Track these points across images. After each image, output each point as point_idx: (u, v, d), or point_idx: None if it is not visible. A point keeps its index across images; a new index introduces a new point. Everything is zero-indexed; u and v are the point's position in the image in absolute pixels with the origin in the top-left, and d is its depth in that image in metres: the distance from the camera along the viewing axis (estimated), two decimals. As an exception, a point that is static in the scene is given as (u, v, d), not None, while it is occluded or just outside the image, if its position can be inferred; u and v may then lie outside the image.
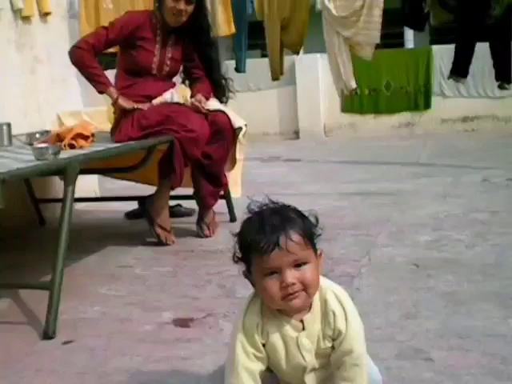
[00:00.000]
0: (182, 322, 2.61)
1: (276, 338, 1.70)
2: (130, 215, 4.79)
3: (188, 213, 4.67)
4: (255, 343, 1.70)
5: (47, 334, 2.56)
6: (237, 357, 1.70)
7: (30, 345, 2.53)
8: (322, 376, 1.77)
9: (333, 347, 1.71)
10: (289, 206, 1.73)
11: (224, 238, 4.00)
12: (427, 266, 3.19)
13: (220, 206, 4.33)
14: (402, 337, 2.36)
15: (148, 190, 4.31)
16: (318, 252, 1.70)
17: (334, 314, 1.70)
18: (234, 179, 4.42)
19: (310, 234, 1.67)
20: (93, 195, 5.27)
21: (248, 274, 1.71)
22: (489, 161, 6.58)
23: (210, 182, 4.04)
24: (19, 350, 2.48)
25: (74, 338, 2.55)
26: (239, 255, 1.71)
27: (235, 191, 4.44)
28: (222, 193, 4.29)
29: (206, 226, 4.09)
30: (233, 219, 4.39)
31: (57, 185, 4.62)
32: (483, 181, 5.53)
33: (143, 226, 4.11)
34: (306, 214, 1.72)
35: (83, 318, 2.79)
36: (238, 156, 4.24)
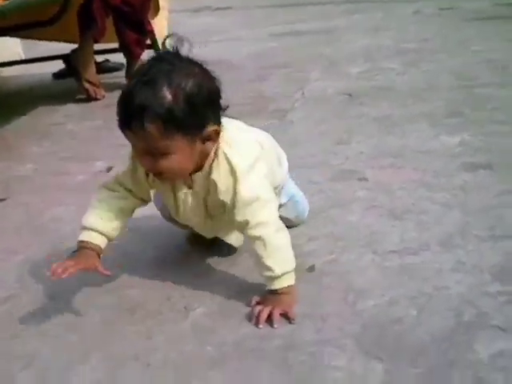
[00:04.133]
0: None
1: (166, 190, 1.59)
2: (58, 75, 4.64)
3: (116, 67, 4.53)
4: (140, 183, 1.59)
5: (-21, 194, 2.51)
6: (110, 186, 1.62)
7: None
8: (218, 230, 1.70)
9: (224, 212, 1.56)
10: (187, 70, 1.44)
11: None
12: (360, 95, 3.18)
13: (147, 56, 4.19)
14: (336, 161, 2.37)
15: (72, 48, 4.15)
16: (211, 128, 1.45)
17: (215, 184, 1.50)
18: (160, 28, 4.26)
19: (179, 121, 1.39)
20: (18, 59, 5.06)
21: None
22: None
23: (134, 29, 3.88)
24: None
25: (8, 196, 2.50)
26: None
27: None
28: (149, 43, 4.15)
29: (135, 77, 3.98)
30: (162, 69, 4.28)
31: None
32: (415, 12, 5.46)
33: (72, 84, 3.98)
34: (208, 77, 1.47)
35: (15, 176, 2.72)
36: (161, 2, 4.08)
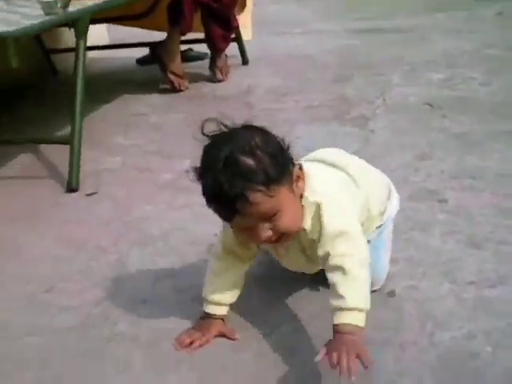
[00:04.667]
0: (201, 170, 2.68)
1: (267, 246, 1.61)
2: (142, 61, 4.76)
3: (200, 57, 4.62)
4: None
5: (71, 186, 2.63)
6: (220, 255, 1.65)
7: (54, 198, 2.60)
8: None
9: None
10: (248, 137, 1.42)
11: (237, 81, 4.01)
12: (441, 106, 3.19)
13: (232, 48, 4.28)
14: (416, 178, 2.41)
15: (158, 35, 4.26)
16: (296, 169, 1.47)
17: (305, 231, 1.51)
18: (244, 22, 4.34)
19: (274, 175, 1.39)
20: (102, 43, 5.20)
21: None
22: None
23: (221, 25, 3.98)
24: (45, 203, 2.55)
25: (97, 190, 2.63)
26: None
27: (246, 33, 4.38)
28: (233, 36, 4.24)
29: (219, 70, 4.08)
30: (245, 62, 4.37)
31: (66, 34, 4.56)
32: (498, 14, 5.40)
33: (155, 72, 4.09)
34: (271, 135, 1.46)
35: (104, 168, 2.85)
36: (247, -1, 4.18)
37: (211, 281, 1.65)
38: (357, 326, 1.39)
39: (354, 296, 1.41)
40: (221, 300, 1.63)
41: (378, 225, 1.72)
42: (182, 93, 3.92)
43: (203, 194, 1.44)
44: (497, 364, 1.44)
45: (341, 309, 1.40)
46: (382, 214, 1.73)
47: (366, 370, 1.34)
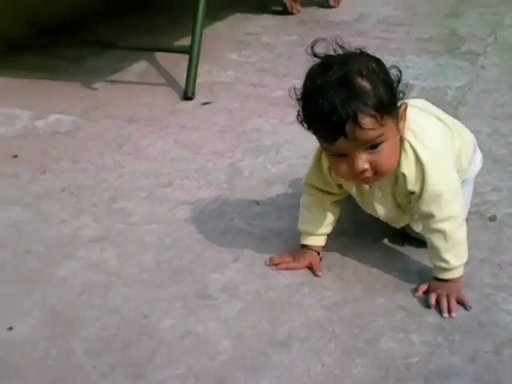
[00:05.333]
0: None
1: (349, 184, 1.58)
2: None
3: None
4: (329, 183, 1.62)
5: (187, 95, 2.77)
6: (307, 188, 1.67)
7: (171, 104, 2.75)
8: (405, 222, 1.66)
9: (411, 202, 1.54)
10: (363, 63, 1.37)
11: (349, 9, 4.05)
12: (554, 48, 3.19)
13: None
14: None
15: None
16: (402, 107, 1.43)
17: (404, 177, 1.47)
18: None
19: (387, 105, 1.35)
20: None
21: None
22: None
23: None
24: (162, 108, 2.71)
25: (212, 100, 2.77)
26: (304, 124, 1.44)
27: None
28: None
29: (333, -5, 4.13)
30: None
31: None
32: None
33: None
34: (387, 66, 1.41)
35: (218, 81, 2.98)
36: None
37: (302, 212, 1.69)
38: (459, 276, 1.51)
39: (456, 257, 1.50)
40: (313, 231, 1.66)
41: (463, 179, 1.69)
42: (293, 16, 4.00)
43: (307, 115, 1.40)
44: None
45: (446, 269, 1.50)
46: (469, 168, 1.72)
47: (468, 310, 1.47)
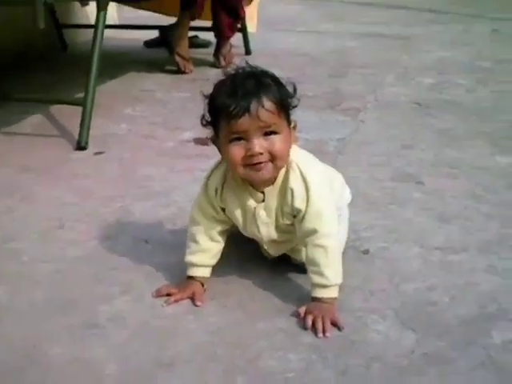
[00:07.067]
0: (202, 141, 2.88)
1: (234, 205, 1.70)
2: (149, 44, 4.99)
3: (205, 44, 4.87)
4: (215, 207, 1.72)
5: (80, 145, 2.84)
6: (194, 216, 1.77)
7: (64, 154, 2.81)
8: (286, 248, 1.80)
9: (293, 225, 1.68)
10: (266, 72, 1.60)
11: (240, 69, 4.23)
12: (428, 106, 3.44)
13: (236, 39, 4.52)
14: (398, 163, 2.64)
15: (166, 19, 4.48)
16: (293, 124, 1.62)
17: (292, 192, 1.63)
18: (251, 14, 4.59)
19: (284, 102, 1.56)
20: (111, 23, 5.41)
21: (216, 140, 1.64)
22: (503, 11, 6.66)
23: (229, 14, 4.22)
24: (55, 159, 2.76)
25: (105, 150, 2.85)
26: (208, 119, 1.62)
27: (251, 26, 4.64)
28: (239, 26, 4.47)
29: (223, 56, 4.32)
30: (248, 52, 4.63)
31: (77, 11, 4.78)
32: (494, 31, 5.66)
33: (162, 54, 4.36)
34: (284, 81, 1.61)
35: (111, 133, 3.07)
36: (256, -9, 4.41)
37: (189, 245, 1.77)
38: (334, 297, 1.64)
39: (335, 275, 1.63)
40: (198, 262, 1.75)
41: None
42: (186, 75, 4.15)
43: (217, 102, 1.56)
44: (450, 311, 1.66)
45: (324, 286, 1.63)
46: (340, 200, 1.87)
47: (341, 331, 1.59)
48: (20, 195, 2.39)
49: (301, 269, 1.76)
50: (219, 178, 1.70)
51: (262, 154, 1.54)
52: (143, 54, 4.85)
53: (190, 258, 1.77)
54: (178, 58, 4.15)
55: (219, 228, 1.76)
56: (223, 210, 1.73)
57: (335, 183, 1.85)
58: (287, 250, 1.81)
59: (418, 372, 1.45)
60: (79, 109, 2.92)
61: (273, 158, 1.56)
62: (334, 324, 1.60)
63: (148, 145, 2.92)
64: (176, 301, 1.72)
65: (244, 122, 1.52)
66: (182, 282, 1.78)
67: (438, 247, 1.99)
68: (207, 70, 4.28)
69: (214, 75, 3.89)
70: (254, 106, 1.51)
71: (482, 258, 1.92)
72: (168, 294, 1.73)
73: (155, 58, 4.59)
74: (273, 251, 1.82)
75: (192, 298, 1.72)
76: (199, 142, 2.89)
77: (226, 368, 1.47)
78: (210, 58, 4.44)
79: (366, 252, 1.95)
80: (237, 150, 1.56)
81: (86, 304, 1.71)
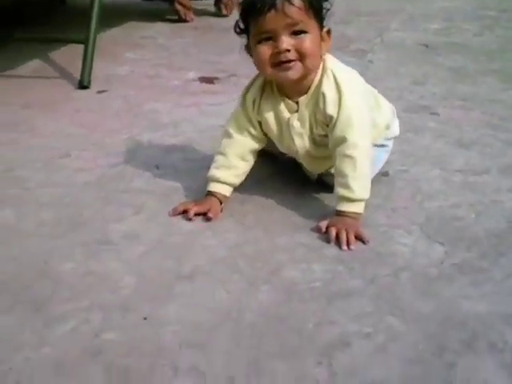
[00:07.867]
0: (207, 80, 2.82)
1: (270, 117, 1.66)
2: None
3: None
4: (251, 121, 1.69)
5: (82, 83, 2.76)
6: (229, 130, 1.72)
7: (66, 93, 2.72)
8: (324, 165, 1.74)
9: (326, 136, 1.64)
10: None
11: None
12: (436, 47, 3.37)
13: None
14: (411, 97, 2.57)
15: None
16: (326, 29, 1.57)
17: (324, 97, 1.58)
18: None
19: (314, 1, 1.51)
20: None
21: (248, 49, 1.60)
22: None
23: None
24: (57, 97, 2.67)
25: (108, 89, 2.76)
26: (241, 26, 1.59)
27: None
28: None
29: (224, 5, 4.21)
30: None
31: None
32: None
33: (162, 6, 4.23)
34: None
35: (114, 74, 2.98)
36: None
37: (216, 159, 1.72)
38: (359, 212, 1.58)
39: (361, 189, 1.57)
40: (221, 178, 1.69)
41: (380, 143, 1.81)
42: (188, 23, 4.06)
43: (241, 9, 1.56)
44: (477, 225, 1.60)
45: (349, 199, 1.57)
46: (387, 129, 1.83)
47: (366, 244, 1.52)
48: (23, 128, 2.31)
49: (332, 189, 1.67)
50: (257, 90, 1.67)
51: (289, 51, 1.50)
52: (142, 5, 4.72)
53: (213, 171, 1.71)
54: (178, 6, 4.05)
55: (251, 146, 1.72)
56: (260, 124, 1.69)
57: (381, 101, 1.84)
58: (326, 167, 1.74)
59: (449, 280, 1.39)
60: (80, 54, 2.84)
61: (301, 56, 1.51)
62: (359, 238, 1.53)
63: (152, 84, 2.84)
64: (194, 214, 1.65)
65: (271, 19, 1.48)
66: (199, 198, 1.72)
67: (458, 169, 1.92)
68: (209, 19, 4.18)
69: (216, 23, 3.88)
70: (280, 1, 1.47)
71: (504, 179, 1.86)
72: (185, 211, 1.66)
73: (155, 8, 4.47)
74: (311, 167, 1.76)
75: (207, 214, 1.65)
76: (205, 80, 2.82)
77: (248, 278, 1.40)
78: (211, 8, 4.33)
79: (386, 174, 1.88)
80: (265, 49, 1.52)
81: (97, 223, 1.64)
